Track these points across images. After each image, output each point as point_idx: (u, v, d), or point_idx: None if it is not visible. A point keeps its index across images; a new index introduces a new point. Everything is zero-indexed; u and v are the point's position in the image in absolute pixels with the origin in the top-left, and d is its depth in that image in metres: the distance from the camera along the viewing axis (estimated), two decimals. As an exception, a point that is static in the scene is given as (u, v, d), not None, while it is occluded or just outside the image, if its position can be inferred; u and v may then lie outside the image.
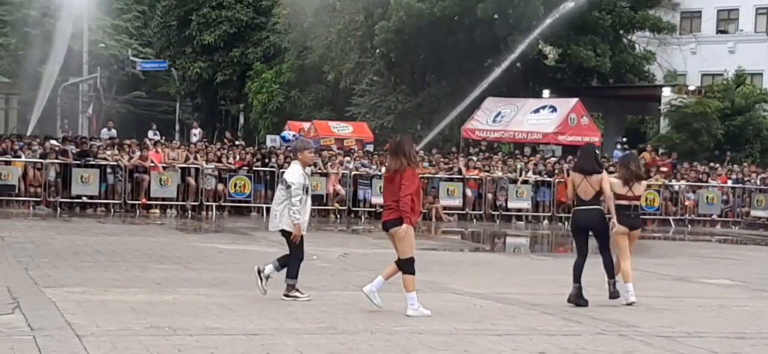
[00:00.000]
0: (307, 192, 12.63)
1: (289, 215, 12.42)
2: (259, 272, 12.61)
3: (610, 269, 13.53)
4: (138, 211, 27.99)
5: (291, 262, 12.62)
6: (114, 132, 40.27)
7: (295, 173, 12.58)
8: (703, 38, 55.28)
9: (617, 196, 13.57)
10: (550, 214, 31.64)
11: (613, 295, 13.45)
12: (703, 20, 56.21)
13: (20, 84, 60.71)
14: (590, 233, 13.60)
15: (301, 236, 12.54)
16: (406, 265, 11.64)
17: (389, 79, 46.37)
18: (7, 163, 27.49)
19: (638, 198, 13.97)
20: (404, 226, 11.48)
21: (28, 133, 36.90)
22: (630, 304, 13.27)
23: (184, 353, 9.07)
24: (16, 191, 27.37)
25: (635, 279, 13.95)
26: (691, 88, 45.19)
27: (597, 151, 15.61)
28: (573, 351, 10.03)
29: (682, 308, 13.72)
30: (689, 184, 33.54)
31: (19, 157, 28.05)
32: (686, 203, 33.11)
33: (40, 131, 39.41)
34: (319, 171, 29.95)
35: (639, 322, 12.05)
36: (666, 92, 43.77)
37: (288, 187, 12.44)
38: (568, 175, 30.03)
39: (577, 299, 13.19)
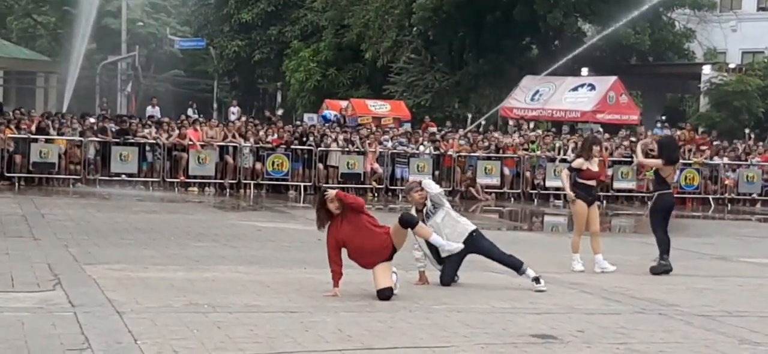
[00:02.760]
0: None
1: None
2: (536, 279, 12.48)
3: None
4: (176, 189, 28.14)
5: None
6: (157, 109, 40.37)
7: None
8: (743, 15, 54.67)
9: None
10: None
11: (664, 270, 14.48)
12: (743, -3, 55.65)
13: (59, 62, 61.23)
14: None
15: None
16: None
17: (427, 57, 46.26)
18: (48, 141, 27.72)
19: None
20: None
21: (64, 110, 37.14)
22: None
23: (224, 330, 9.10)
24: (56, 169, 27.60)
25: (674, 258, 14.58)
26: (732, 65, 44.78)
27: None
28: (612, 330, 9.98)
29: (722, 287, 13.63)
30: (729, 162, 33.25)
31: (63, 134, 28.28)
32: (726, 182, 32.85)
33: (79, 109, 39.69)
34: (356, 149, 30.00)
35: (679, 302, 11.98)
36: (706, 70, 43.42)
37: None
38: (608, 153, 30.18)
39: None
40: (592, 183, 14.82)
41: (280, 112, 44.67)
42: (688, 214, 28.89)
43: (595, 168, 14.81)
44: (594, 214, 14.75)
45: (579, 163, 14.94)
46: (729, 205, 32.45)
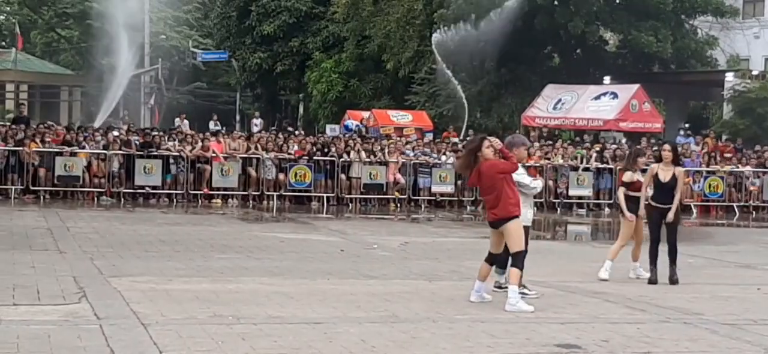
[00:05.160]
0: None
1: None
2: (500, 287, 12.57)
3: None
4: (200, 201, 28.23)
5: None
6: (186, 123, 40.31)
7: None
8: (766, 22, 54.35)
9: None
10: (610, 201, 31.40)
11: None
12: (766, 4, 55.23)
13: (84, 76, 61.60)
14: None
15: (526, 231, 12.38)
16: (515, 259, 11.60)
17: (448, 67, 46.26)
18: (72, 154, 27.86)
19: None
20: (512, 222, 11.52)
21: (96, 125, 37.33)
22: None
23: (248, 342, 9.13)
24: (81, 182, 27.74)
25: (698, 266, 14.28)
26: (755, 72, 44.49)
27: None
28: (637, 339, 9.96)
29: (747, 296, 13.56)
30: (753, 170, 33.05)
31: (84, 148, 28.42)
32: (751, 189, 32.66)
33: (103, 122, 39.91)
34: (378, 160, 30.02)
35: (703, 310, 11.94)
36: (729, 77, 43.16)
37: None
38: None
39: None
40: (641, 194, 14.73)
41: (293, 129, 44.76)
42: (713, 222, 28.74)
43: (643, 179, 14.75)
44: (641, 225, 14.77)
45: (629, 176, 14.86)
46: (754, 212, 32.24)
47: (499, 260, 12.24)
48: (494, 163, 11.68)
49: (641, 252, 14.81)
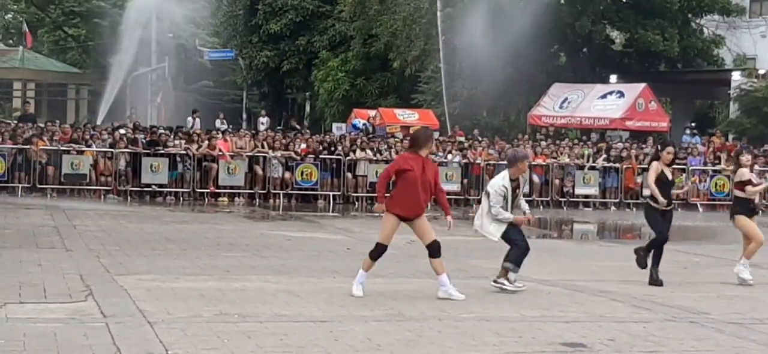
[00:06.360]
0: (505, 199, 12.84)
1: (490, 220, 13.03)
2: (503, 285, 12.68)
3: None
4: (206, 200, 28.26)
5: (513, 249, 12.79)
6: (198, 122, 40.22)
7: (496, 182, 12.99)
8: (773, 21, 54.24)
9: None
10: (617, 200, 31.39)
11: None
12: (773, 3, 55.15)
13: (90, 74, 61.69)
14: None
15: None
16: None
17: (454, 65, 46.24)
18: (79, 152, 27.91)
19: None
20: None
21: (98, 123, 37.38)
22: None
23: (254, 340, 9.14)
24: (88, 180, 27.78)
25: (704, 266, 14.23)
26: (762, 71, 44.41)
27: None
28: (643, 338, 9.95)
29: (753, 295, 13.55)
30: (760, 169, 32.97)
31: (90, 146, 28.46)
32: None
33: (110, 120, 39.94)
34: (384, 158, 30.02)
35: (709, 309, 11.93)
36: (735, 76, 43.12)
37: (487, 194, 13.00)
38: (637, 160, 30.12)
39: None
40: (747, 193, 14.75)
41: (300, 127, 44.69)
42: (719, 222, 28.68)
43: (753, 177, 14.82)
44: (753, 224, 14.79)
45: (743, 173, 14.77)
46: (760, 212, 32.12)
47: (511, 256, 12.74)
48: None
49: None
